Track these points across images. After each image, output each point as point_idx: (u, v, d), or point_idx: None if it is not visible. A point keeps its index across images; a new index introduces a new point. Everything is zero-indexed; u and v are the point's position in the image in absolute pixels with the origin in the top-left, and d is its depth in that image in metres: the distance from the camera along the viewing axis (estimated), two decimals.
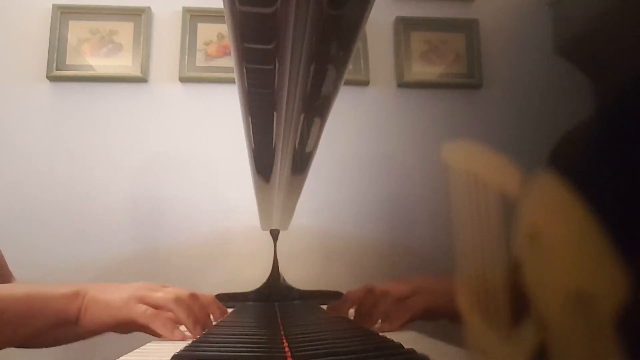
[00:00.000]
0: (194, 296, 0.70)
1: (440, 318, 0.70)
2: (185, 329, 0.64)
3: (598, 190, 0.21)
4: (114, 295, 0.64)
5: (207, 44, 1.54)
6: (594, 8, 0.67)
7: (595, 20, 0.67)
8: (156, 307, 0.64)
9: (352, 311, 0.89)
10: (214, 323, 0.82)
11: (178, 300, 0.65)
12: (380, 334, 0.57)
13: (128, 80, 1.50)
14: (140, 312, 0.62)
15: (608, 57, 0.67)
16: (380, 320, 0.71)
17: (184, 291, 0.69)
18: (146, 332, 0.64)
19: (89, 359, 0.70)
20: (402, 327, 0.67)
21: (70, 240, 1.38)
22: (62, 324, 0.63)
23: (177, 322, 0.64)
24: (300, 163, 0.66)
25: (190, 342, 0.56)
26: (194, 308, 0.67)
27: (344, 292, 0.94)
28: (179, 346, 0.50)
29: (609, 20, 0.68)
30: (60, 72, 1.48)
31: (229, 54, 0.91)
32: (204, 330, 0.66)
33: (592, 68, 0.73)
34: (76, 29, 1.51)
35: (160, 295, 0.65)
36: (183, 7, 1.55)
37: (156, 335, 0.62)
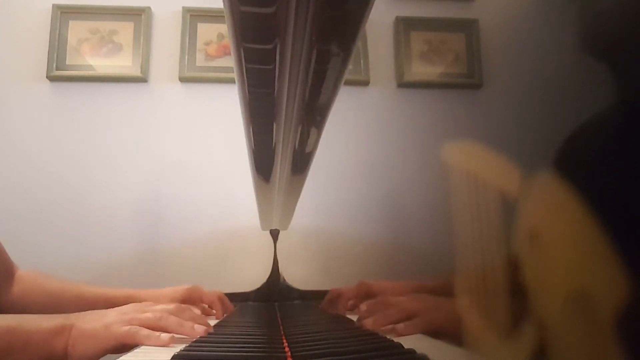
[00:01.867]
0: (181, 308, 0.69)
1: (441, 337, 0.70)
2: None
3: (608, 189, 0.21)
4: (99, 324, 0.61)
5: (207, 44, 1.54)
6: (623, 4, 0.66)
7: (626, 15, 0.66)
8: (144, 327, 0.62)
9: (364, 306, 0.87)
10: (216, 321, 0.82)
11: (163, 318, 0.63)
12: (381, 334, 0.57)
13: (128, 80, 1.50)
14: (124, 332, 0.60)
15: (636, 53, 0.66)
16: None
17: (170, 306, 0.68)
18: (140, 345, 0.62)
19: None
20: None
21: (70, 240, 1.38)
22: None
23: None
24: (300, 163, 0.66)
25: (190, 342, 0.56)
26: (185, 317, 0.66)
27: (331, 292, 0.94)
28: (179, 346, 0.50)
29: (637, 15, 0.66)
30: (60, 72, 1.48)
31: (229, 54, 0.91)
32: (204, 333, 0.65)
33: (621, 64, 0.71)
34: (76, 29, 1.51)
35: (146, 316, 0.63)
36: (183, 7, 1.55)
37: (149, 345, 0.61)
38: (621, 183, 0.21)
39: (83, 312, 0.65)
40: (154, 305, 0.68)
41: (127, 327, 0.60)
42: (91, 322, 0.62)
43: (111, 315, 0.63)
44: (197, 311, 0.89)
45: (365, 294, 0.87)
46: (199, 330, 0.63)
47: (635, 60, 0.69)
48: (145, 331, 0.60)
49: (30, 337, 0.58)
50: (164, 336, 0.59)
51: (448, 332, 0.68)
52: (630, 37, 0.68)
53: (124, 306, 0.67)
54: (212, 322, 0.81)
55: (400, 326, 0.68)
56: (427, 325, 0.68)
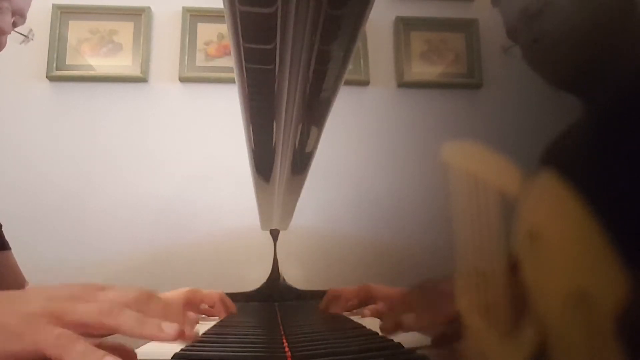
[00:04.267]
0: (144, 297, 0.44)
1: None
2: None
3: (589, 193, 0.21)
4: (17, 314, 0.39)
5: (207, 44, 1.54)
6: (575, 38, 0.69)
7: (581, 48, 0.68)
8: (80, 325, 0.40)
9: (367, 311, 0.86)
10: (216, 321, 0.82)
11: (115, 312, 0.40)
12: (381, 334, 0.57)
13: (128, 80, 1.50)
14: (52, 338, 0.38)
15: (598, 79, 0.69)
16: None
17: (129, 294, 0.43)
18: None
19: None
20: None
21: (70, 241, 1.38)
22: None
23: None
24: (300, 163, 0.66)
25: (190, 342, 0.56)
26: (150, 312, 0.42)
27: (330, 291, 0.94)
28: (179, 346, 0.50)
29: (592, 46, 0.69)
30: (60, 72, 1.48)
31: (229, 54, 0.91)
32: (188, 333, 0.43)
33: (585, 92, 0.74)
34: (76, 29, 1.51)
35: (90, 308, 0.40)
36: (183, 7, 1.55)
37: None
38: (610, 183, 0.21)
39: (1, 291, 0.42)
40: (102, 289, 0.44)
41: (58, 332, 0.38)
42: (11, 312, 0.40)
43: (34, 300, 0.41)
44: (192, 314, 0.87)
45: (366, 296, 0.87)
46: (169, 330, 0.40)
47: (595, 90, 0.71)
48: (81, 346, 0.38)
49: None
50: (109, 359, 0.37)
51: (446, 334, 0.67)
52: (587, 72, 0.70)
53: (55, 285, 0.43)
54: (212, 322, 0.81)
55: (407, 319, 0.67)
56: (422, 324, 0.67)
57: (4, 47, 0.82)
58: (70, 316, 0.40)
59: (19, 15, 0.82)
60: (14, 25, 0.82)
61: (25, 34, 0.87)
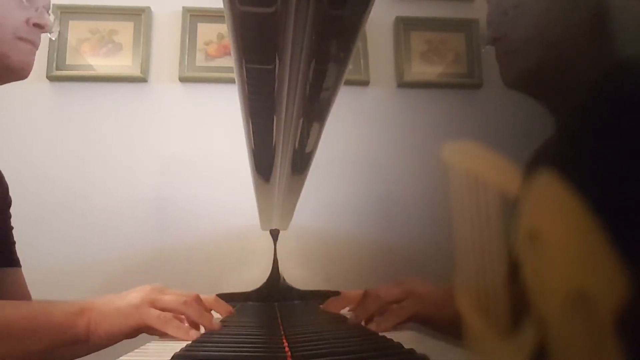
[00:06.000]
0: (198, 298, 0.71)
1: (431, 327, 0.71)
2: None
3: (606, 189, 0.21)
4: (123, 303, 0.63)
5: (207, 44, 1.54)
6: (534, 44, 0.70)
7: (538, 54, 0.69)
8: (167, 310, 0.64)
9: (345, 310, 0.90)
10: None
11: (187, 302, 0.66)
12: (380, 334, 0.57)
13: (128, 80, 1.50)
14: (154, 316, 0.61)
15: (554, 86, 0.70)
16: (373, 322, 0.72)
17: (188, 293, 0.70)
18: (160, 335, 0.64)
19: (91, 358, 0.70)
20: (391, 329, 0.68)
21: (69, 241, 1.38)
22: (70, 342, 0.62)
23: (189, 324, 0.66)
24: (300, 163, 0.66)
25: (190, 342, 0.56)
26: (202, 308, 0.69)
27: (344, 292, 0.94)
28: (178, 346, 0.50)
29: (551, 54, 0.70)
30: (60, 72, 1.48)
31: (229, 54, 0.91)
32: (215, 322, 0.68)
33: (541, 97, 0.75)
34: (76, 29, 1.51)
35: (170, 298, 0.65)
36: (183, 7, 1.55)
37: (170, 337, 0.62)
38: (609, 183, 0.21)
39: (100, 297, 0.66)
40: (169, 289, 0.69)
41: (157, 312, 0.62)
42: (112, 303, 0.64)
43: (132, 296, 0.64)
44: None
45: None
46: (215, 324, 0.66)
47: (553, 93, 0.71)
48: (176, 322, 0.62)
49: (52, 318, 0.60)
50: (193, 333, 0.61)
51: (435, 319, 0.69)
52: (543, 73, 0.70)
53: (141, 287, 0.67)
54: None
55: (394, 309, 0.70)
56: (412, 309, 0.69)
57: (38, 45, 0.81)
58: (160, 303, 0.63)
59: (49, 9, 0.83)
60: None
61: (58, 27, 0.88)
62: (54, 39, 0.96)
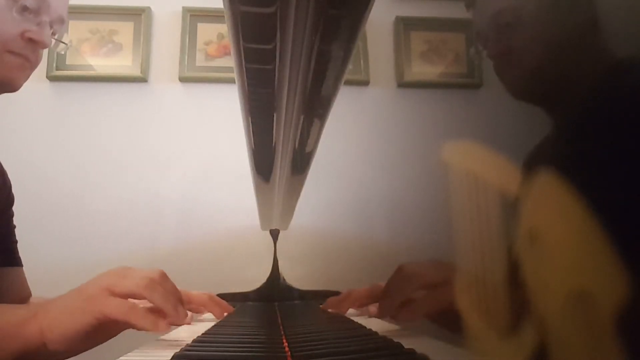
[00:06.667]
0: (164, 275, 0.59)
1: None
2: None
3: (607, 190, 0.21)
4: (78, 298, 0.53)
5: (207, 44, 1.54)
6: (538, 53, 0.71)
7: (542, 62, 0.70)
8: (128, 296, 0.54)
9: (351, 311, 0.89)
10: (216, 321, 0.82)
11: (151, 284, 0.55)
12: (386, 331, 0.57)
13: (128, 80, 1.50)
14: (113, 306, 0.51)
15: (553, 89, 0.71)
16: (402, 306, 0.64)
17: (153, 272, 0.58)
18: (127, 327, 0.55)
19: (89, 359, 0.70)
20: (423, 317, 0.61)
21: (69, 240, 1.38)
22: (21, 353, 0.51)
23: (155, 310, 0.56)
24: (300, 163, 0.66)
25: (190, 341, 0.56)
26: (168, 289, 0.58)
27: (343, 292, 0.94)
28: (178, 346, 0.50)
29: (552, 60, 0.71)
30: (60, 72, 1.48)
31: (229, 54, 0.91)
32: (181, 309, 0.58)
33: (544, 104, 0.76)
34: (76, 29, 1.51)
35: (131, 282, 0.54)
36: (183, 7, 1.55)
37: (138, 329, 0.54)
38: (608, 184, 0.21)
39: (56, 297, 0.56)
40: (133, 270, 0.58)
41: (117, 301, 0.51)
42: (68, 299, 0.54)
43: (87, 287, 0.54)
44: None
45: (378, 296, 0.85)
46: (182, 314, 0.56)
47: (559, 104, 0.72)
48: (141, 311, 0.51)
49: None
50: (162, 324, 0.52)
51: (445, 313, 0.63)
52: (552, 88, 0.71)
53: (100, 274, 0.57)
54: (212, 322, 0.81)
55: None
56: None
57: (40, 59, 0.80)
58: (120, 289, 0.53)
59: (59, 23, 0.80)
60: (53, 34, 0.80)
61: (66, 42, 0.85)
62: (62, 53, 0.93)
